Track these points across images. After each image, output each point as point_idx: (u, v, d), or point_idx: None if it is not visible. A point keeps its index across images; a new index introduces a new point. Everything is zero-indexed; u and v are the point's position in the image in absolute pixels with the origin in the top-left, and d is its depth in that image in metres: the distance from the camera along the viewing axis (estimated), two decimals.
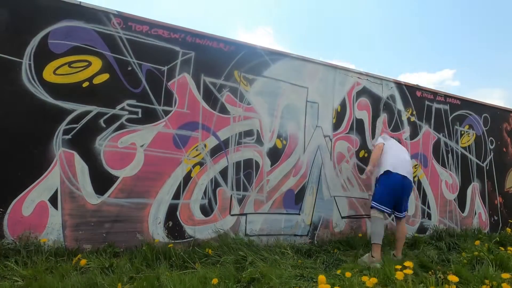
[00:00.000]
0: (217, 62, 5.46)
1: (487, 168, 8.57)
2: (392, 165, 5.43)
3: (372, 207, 5.41)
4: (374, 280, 3.01)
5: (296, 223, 6.06)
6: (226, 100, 5.52)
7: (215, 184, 5.41)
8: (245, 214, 5.63)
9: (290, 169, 6.02)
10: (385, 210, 5.33)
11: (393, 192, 5.35)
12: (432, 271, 4.11)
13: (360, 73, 6.85)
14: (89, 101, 4.58)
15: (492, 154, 8.67)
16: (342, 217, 6.51)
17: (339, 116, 6.59)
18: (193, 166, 5.23)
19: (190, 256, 4.77)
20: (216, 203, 5.40)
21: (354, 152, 6.71)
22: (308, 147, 6.23)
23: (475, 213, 8.28)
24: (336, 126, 6.55)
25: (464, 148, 8.22)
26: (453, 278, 3.05)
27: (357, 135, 6.76)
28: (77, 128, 4.51)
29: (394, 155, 5.56)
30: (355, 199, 6.67)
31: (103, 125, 4.65)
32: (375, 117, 6.98)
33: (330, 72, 6.53)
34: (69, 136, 4.47)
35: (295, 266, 4.79)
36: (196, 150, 5.26)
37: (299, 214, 6.09)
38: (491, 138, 8.69)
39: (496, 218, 8.62)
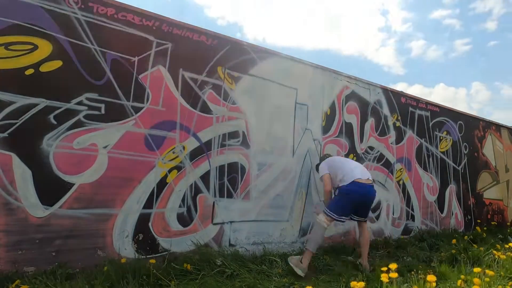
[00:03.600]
0: (198, 56, 3.67)
1: (462, 171, 6.89)
2: (350, 176, 3.73)
3: (324, 213, 3.67)
4: (361, 284, 2.24)
5: (285, 229, 4.25)
6: (209, 98, 3.73)
7: (196, 190, 3.60)
8: (230, 222, 3.82)
9: (278, 173, 4.22)
10: (339, 219, 3.68)
11: (353, 203, 3.70)
12: (415, 270, 3.24)
13: (349, 77, 5.08)
14: (35, 92, 2.79)
15: (466, 158, 6.98)
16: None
17: (329, 119, 4.80)
18: (169, 171, 3.43)
19: (164, 272, 3.02)
20: (196, 212, 3.59)
21: (343, 155, 4.90)
22: (297, 151, 4.44)
23: (452, 214, 6.63)
24: (326, 129, 4.75)
25: (443, 152, 6.51)
26: (431, 278, 2.49)
27: (346, 138, 4.97)
28: (16, 125, 2.71)
29: (348, 167, 3.87)
30: None
31: (54, 121, 2.86)
32: (363, 121, 5.19)
33: (320, 74, 4.75)
34: (4, 134, 2.67)
35: (283, 276, 3.32)
36: (173, 152, 3.47)
37: (287, 220, 4.28)
38: (465, 143, 6.99)
39: (469, 217, 7.02)
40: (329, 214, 3.61)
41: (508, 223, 7.71)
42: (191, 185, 3.58)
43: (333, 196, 3.91)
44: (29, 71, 2.76)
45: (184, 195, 3.52)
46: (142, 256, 3.21)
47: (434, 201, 6.23)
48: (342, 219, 3.70)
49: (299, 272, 3.34)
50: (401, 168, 5.70)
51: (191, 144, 3.59)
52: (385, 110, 5.51)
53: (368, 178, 3.80)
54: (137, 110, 3.26)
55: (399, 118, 5.72)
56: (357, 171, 3.79)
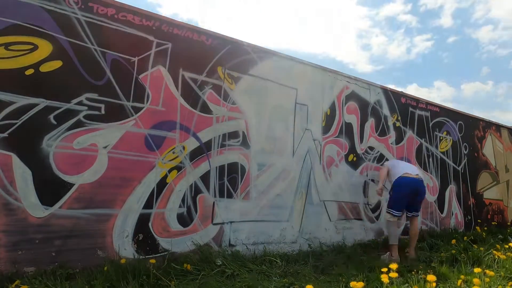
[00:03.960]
0: (198, 56, 3.67)
1: (462, 171, 6.87)
2: (400, 172, 4.44)
3: (386, 212, 4.48)
4: (360, 284, 2.25)
5: (285, 229, 4.25)
6: (209, 98, 3.73)
7: (196, 191, 3.61)
8: (230, 223, 3.82)
9: (278, 173, 4.22)
10: (396, 214, 4.32)
11: (405, 195, 4.35)
12: (415, 270, 3.26)
13: (349, 77, 5.08)
14: (35, 92, 2.79)
15: (466, 158, 6.96)
16: (332, 221, 4.71)
17: (329, 120, 4.80)
18: (169, 171, 3.44)
19: (164, 272, 3.02)
20: (196, 212, 3.60)
21: (343, 156, 4.91)
22: (297, 151, 4.45)
23: (452, 214, 6.61)
24: (326, 129, 4.76)
25: (443, 152, 6.50)
26: (431, 278, 2.47)
27: (346, 139, 4.97)
28: (17, 125, 2.71)
29: (401, 166, 4.61)
30: (344, 203, 4.87)
31: (54, 121, 2.86)
32: (363, 121, 5.19)
33: (320, 75, 4.75)
34: (4, 134, 2.67)
35: (283, 276, 3.30)
36: (173, 152, 3.47)
37: (287, 220, 4.28)
38: (465, 144, 6.98)
39: (469, 217, 7.00)
40: (389, 211, 4.37)
41: (508, 223, 7.71)
42: (191, 185, 3.58)
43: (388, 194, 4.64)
44: (29, 71, 2.76)
45: (184, 195, 3.52)
46: (142, 256, 3.21)
47: (434, 201, 6.22)
48: (397, 214, 4.30)
49: (394, 261, 3.66)
50: None
51: (191, 144, 3.59)
52: (385, 110, 5.51)
53: (416, 174, 4.41)
54: (137, 110, 3.26)
55: (399, 118, 5.71)
56: (406, 168, 4.48)
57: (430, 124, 6.26)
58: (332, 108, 4.85)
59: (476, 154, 7.24)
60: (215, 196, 3.72)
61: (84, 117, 2.99)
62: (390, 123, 5.58)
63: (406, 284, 3.06)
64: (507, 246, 4.47)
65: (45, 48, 2.82)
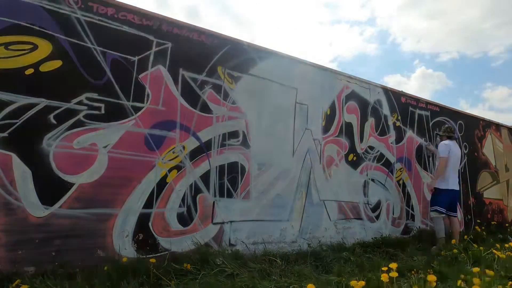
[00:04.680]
0: (198, 56, 3.67)
1: (462, 171, 6.83)
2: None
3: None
4: (361, 283, 2.27)
5: (285, 229, 4.25)
6: (209, 98, 3.73)
7: (196, 190, 3.60)
8: (230, 222, 3.82)
9: (278, 173, 4.22)
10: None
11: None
12: (415, 270, 3.22)
13: (349, 77, 5.07)
14: (35, 92, 2.79)
15: (466, 158, 6.93)
16: (332, 221, 4.71)
17: (329, 119, 4.80)
18: (169, 171, 3.43)
19: (165, 272, 3.01)
20: (196, 211, 3.59)
21: (343, 155, 4.90)
22: (297, 150, 4.44)
23: None
24: (326, 129, 4.75)
25: None
26: (431, 277, 2.46)
27: (346, 138, 4.96)
28: (17, 124, 2.71)
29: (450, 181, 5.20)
30: (344, 203, 4.87)
31: (53, 121, 2.85)
32: (363, 121, 5.19)
33: (320, 74, 4.75)
34: (5, 134, 2.67)
35: (284, 275, 3.28)
36: (173, 152, 3.46)
37: (287, 220, 4.28)
38: (465, 143, 6.95)
39: (469, 217, 6.99)
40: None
41: (508, 223, 7.70)
42: (191, 184, 3.57)
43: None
44: (29, 71, 2.76)
45: (184, 195, 3.51)
46: (142, 256, 3.21)
47: None
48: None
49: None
50: (401, 168, 5.69)
51: (191, 143, 3.58)
52: (385, 110, 5.51)
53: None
54: (137, 109, 3.25)
55: (399, 117, 5.71)
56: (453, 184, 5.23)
57: (430, 124, 6.26)
58: (332, 107, 4.84)
59: (476, 154, 7.24)
60: (215, 195, 3.72)
61: (84, 116, 2.98)
62: (390, 123, 5.57)
63: (406, 284, 3.05)
64: (507, 246, 4.47)
65: (45, 47, 2.82)
